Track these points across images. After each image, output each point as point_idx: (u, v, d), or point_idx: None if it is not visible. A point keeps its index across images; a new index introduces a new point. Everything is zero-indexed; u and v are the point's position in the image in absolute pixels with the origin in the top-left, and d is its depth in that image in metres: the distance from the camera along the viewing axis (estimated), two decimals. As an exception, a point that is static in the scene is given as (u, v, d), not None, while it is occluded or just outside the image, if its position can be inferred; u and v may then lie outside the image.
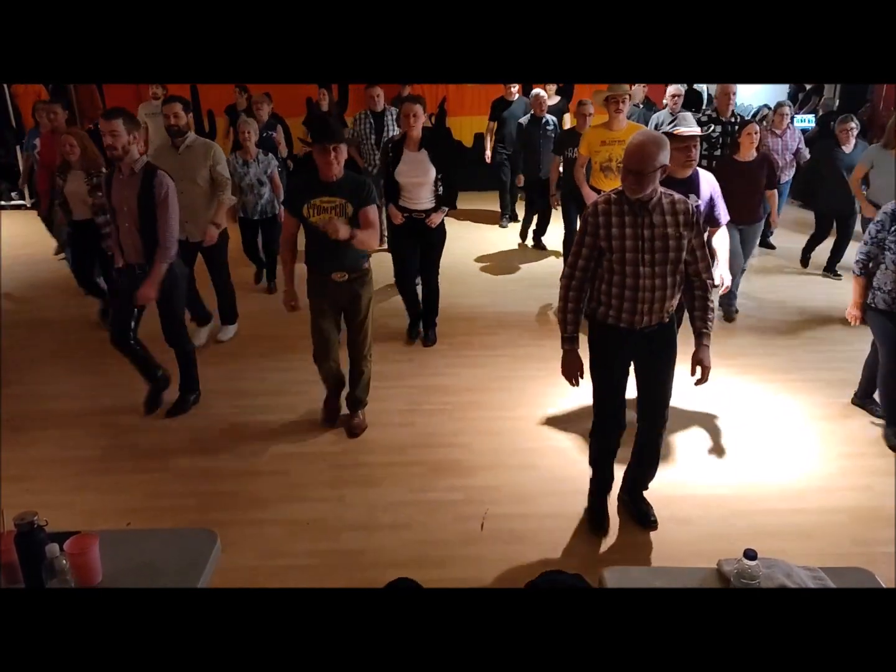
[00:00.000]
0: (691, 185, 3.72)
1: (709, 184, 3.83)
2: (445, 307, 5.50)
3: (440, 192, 4.87)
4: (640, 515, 3.30)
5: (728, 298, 5.55)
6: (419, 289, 5.31)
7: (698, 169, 3.83)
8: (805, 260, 7.02)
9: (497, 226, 8.72)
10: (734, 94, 5.86)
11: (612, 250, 2.83)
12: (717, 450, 3.91)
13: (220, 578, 2.11)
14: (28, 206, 9.63)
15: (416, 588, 2.19)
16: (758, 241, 5.62)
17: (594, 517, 3.29)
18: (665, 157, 2.70)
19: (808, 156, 7.06)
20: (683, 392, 4.52)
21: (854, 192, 5.95)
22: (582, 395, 4.49)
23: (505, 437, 4.04)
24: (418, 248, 5.06)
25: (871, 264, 3.82)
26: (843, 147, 6.32)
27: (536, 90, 7.28)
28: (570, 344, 3.01)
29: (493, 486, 3.61)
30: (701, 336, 2.97)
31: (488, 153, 8.37)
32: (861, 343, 5.12)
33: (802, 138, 7.13)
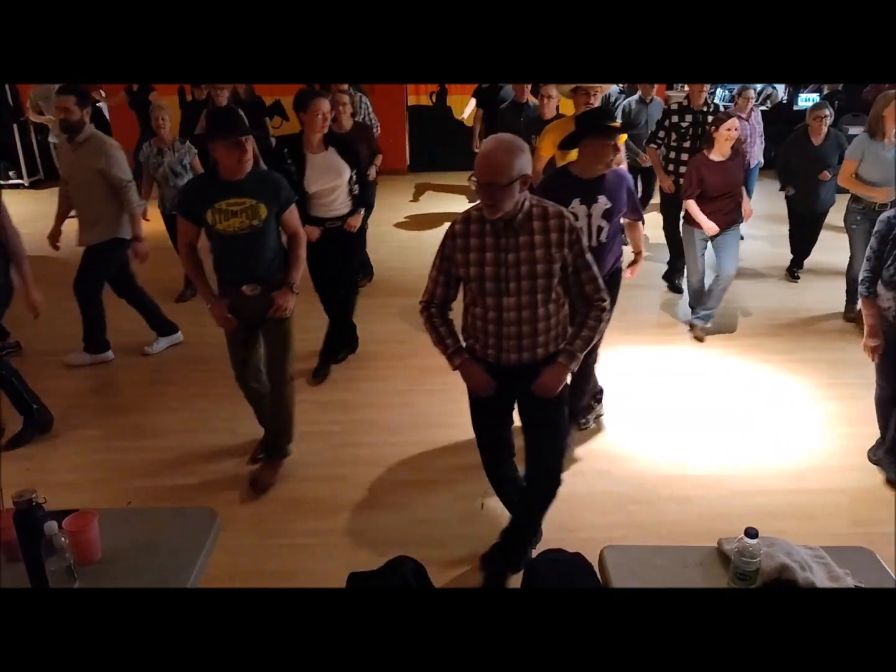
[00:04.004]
0: (599, 186, 3.21)
1: (620, 179, 3.32)
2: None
3: (356, 193, 4.21)
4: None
5: (703, 313, 5.08)
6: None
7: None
8: None
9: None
10: None
11: (470, 279, 2.41)
12: (718, 429, 3.90)
13: (219, 557, 2.11)
14: (26, 185, 9.58)
15: (416, 567, 2.20)
16: (738, 247, 5.02)
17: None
18: (523, 164, 2.23)
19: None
20: (680, 372, 4.54)
21: (852, 189, 4.97)
22: (582, 375, 4.49)
23: (505, 418, 4.04)
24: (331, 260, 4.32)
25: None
26: None
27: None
28: (458, 357, 2.54)
29: (494, 465, 3.60)
30: (560, 352, 2.49)
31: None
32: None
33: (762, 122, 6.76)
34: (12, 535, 1.77)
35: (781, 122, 8.82)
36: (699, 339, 5.01)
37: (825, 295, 5.75)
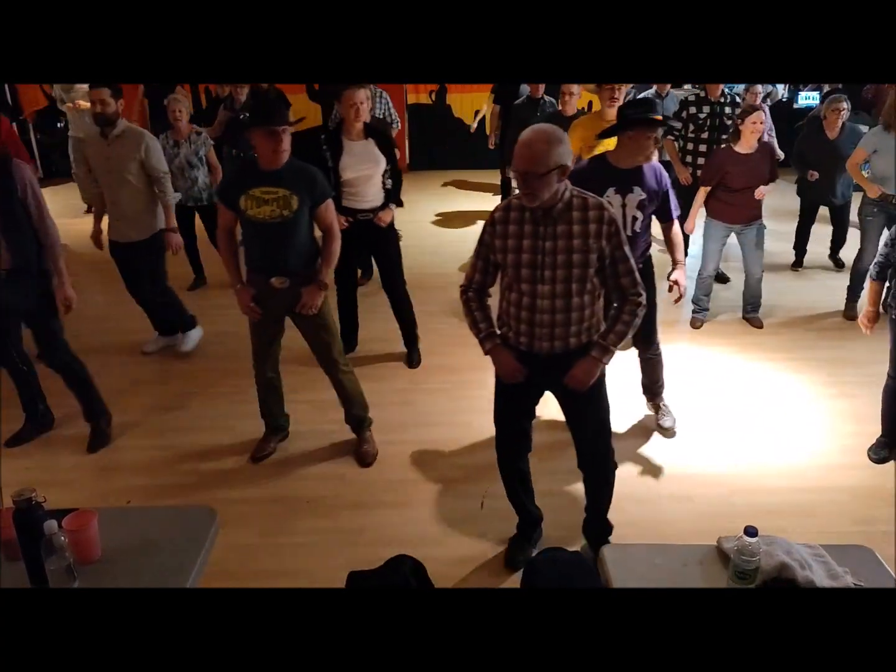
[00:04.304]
0: (635, 177, 3.25)
1: (656, 173, 3.35)
2: (449, 285, 5.46)
3: (388, 187, 4.27)
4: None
5: (751, 308, 5.24)
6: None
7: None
8: None
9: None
10: None
11: (506, 265, 2.46)
12: (719, 428, 3.90)
13: (219, 556, 2.11)
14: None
15: (415, 566, 2.19)
16: (763, 244, 5.07)
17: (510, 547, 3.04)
18: (562, 154, 2.26)
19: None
20: (680, 371, 4.53)
21: (854, 177, 5.28)
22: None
23: (505, 416, 4.03)
24: (362, 257, 4.46)
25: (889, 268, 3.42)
26: None
27: None
28: (489, 342, 2.58)
29: (493, 464, 3.57)
30: (593, 346, 2.51)
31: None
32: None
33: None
34: (12, 535, 1.78)
35: (782, 120, 8.81)
36: (759, 327, 5.18)
37: (826, 293, 5.75)
